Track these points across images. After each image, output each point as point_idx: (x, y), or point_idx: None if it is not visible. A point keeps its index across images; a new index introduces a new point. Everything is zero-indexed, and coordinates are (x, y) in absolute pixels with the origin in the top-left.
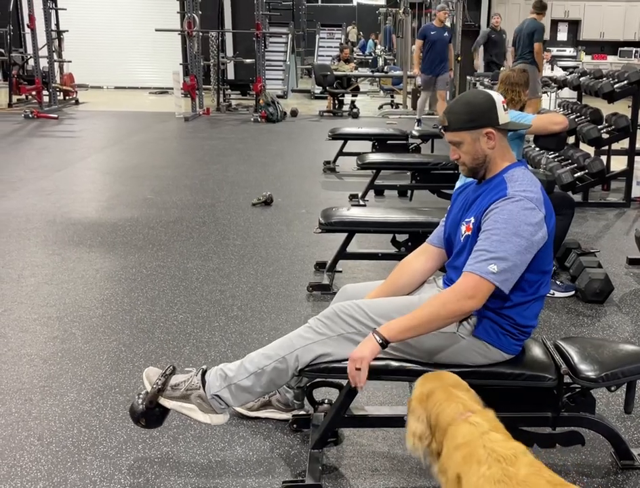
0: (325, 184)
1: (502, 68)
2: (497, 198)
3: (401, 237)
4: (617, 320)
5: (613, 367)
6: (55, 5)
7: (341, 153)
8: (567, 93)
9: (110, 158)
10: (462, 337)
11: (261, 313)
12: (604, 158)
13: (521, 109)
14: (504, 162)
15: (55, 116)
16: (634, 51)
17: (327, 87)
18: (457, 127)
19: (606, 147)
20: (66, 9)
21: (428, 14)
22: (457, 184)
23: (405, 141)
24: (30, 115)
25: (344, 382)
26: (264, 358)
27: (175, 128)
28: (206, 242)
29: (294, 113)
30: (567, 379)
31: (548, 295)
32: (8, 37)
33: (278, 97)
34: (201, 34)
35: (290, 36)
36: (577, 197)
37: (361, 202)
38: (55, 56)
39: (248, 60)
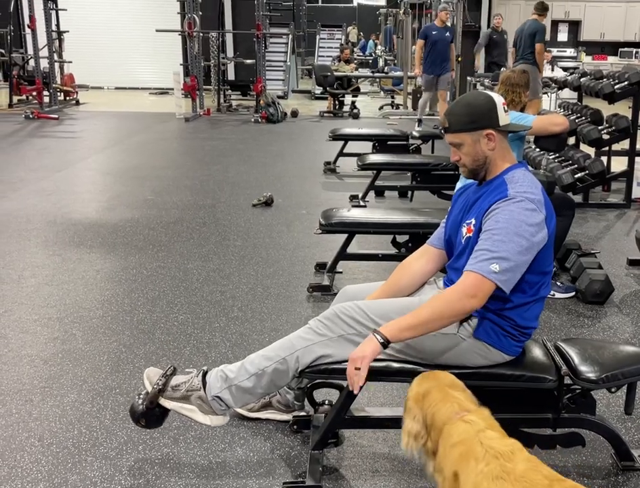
0: (326, 184)
1: (502, 69)
2: (499, 199)
3: (402, 238)
4: (617, 321)
5: (613, 369)
6: (56, 6)
7: (341, 154)
8: (568, 94)
9: (111, 159)
10: (462, 338)
11: (261, 314)
12: (604, 159)
13: (522, 110)
14: (505, 163)
15: (56, 116)
16: (634, 52)
17: (328, 88)
18: (457, 129)
19: (606, 148)
20: (66, 10)
21: (429, 15)
22: (458, 185)
23: (405, 142)
24: (31, 116)
25: (345, 383)
26: (265, 359)
27: (176, 128)
28: (206, 243)
29: (294, 114)
30: (567, 381)
31: (548, 296)
32: (9, 38)
33: (279, 97)
34: (201, 34)
35: (290, 36)
36: (578, 198)
37: (362, 203)
38: (55, 57)
39: (248, 61)
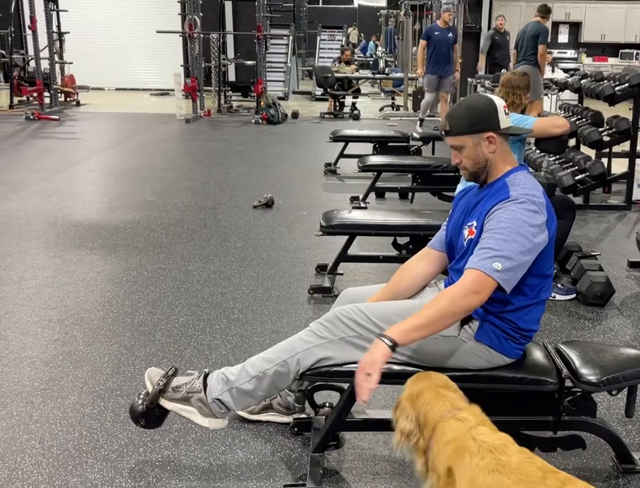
0: (326, 186)
1: (502, 71)
2: (501, 200)
3: (402, 240)
4: (618, 323)
5: (614, 371)
6: (57, 7)
7: (342, 155)
8: (568, 95)
9: (111, 160)
10: (463, 340)
11: (262, 316)
12: (605, 160)
13: (522, 112)
14: (506, 166)
15: (57, 117)
16: (635, 53)
17: (328, 89)
18: (458, 132)
19: (607, 150)
20: (67, 11)
21: (429, 16)
22: (459, 188)
23: (406, 144)
24: (32, 117)
25: (345, 386)
26: (266, 361)
27: (176, 130)
28: (207, 245)
29: (295, 115)
30: (568, 383)
31: (549, 298)
32: (9, 39)
33: (279, 98)
34: (202, 35)
35: (291, 38)
36: (578, 200)
37: (362, 205)
38: (56, 58)
39: (249, 62)
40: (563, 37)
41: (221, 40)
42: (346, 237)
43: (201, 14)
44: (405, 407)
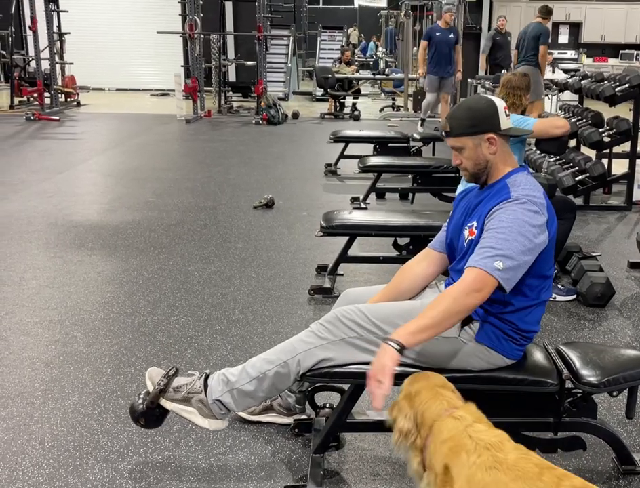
0: (327, 186)
1: (502, 71)
2: (501, 201)
3: (403, 240)
4: (618, 324)
5: (614, 372)
6: (57, 7)
7: (342, 156)
8: (568, 96)
9: (112, 161)
10: (464, 342)
11: (262, 316)
12: (605, 161)
13: (522, 113)
14: (506, 167)
15: (57, 118)
16: (635, 54)
17: (329, 90)
18: (459, 133)
19: (607, 150)
20: (67, 11)
21: (430, 17)
22: (459, 189)
23: (406, 144)
24: (32, 117)
25: (346, 387)
26: (266, 362)
27: (177, 130)
28: (207, 245)
29: (295, 115)
30: (568, 385)
31: (549, 299)
32: (10, 39)
33: (280, 99)
34: (202, 36)
35: (291, 38)
36: (579, 200)
37: (363, 206)
38: (56, 58)
39: (249, 62)
40: (564, 38)
41: (221, 40)
42: (347, 238)
43: (202, 15)
44: (403, 406)
